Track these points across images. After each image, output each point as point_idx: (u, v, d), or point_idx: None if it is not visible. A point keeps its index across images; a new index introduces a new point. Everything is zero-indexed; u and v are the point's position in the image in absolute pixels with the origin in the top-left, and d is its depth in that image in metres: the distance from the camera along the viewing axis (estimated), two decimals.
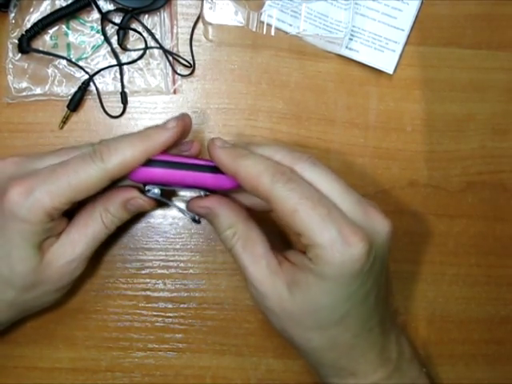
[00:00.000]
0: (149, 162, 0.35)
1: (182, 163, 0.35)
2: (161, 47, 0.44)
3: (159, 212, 0.44)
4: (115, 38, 0.44)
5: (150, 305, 0.43)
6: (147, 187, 0.37)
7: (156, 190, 0.37)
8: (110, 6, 0.43)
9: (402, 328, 0.44)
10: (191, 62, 0.45)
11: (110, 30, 0.44)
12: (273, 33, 0.43)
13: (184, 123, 0.36)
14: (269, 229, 0.38)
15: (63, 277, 0.38)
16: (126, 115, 0.44)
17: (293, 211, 0.33)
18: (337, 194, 0.34)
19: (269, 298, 0.35)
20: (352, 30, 0.44)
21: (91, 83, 0.44)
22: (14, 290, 0.36)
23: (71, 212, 0.37)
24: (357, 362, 0.36)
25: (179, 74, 0.44)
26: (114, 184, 0.36)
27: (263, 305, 0.36)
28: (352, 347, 0.36)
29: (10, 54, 0.43)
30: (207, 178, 0.36)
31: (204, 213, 0.37)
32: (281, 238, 0.43)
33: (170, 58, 0.44)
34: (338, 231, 0.32)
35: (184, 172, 0.35)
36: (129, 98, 0.44)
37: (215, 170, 0.36)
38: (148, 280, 0.44)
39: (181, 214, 0.44)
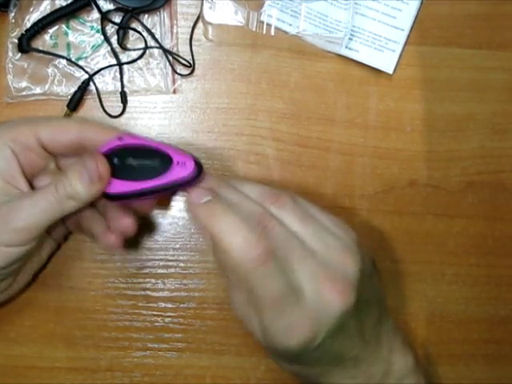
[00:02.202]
0: (107, 195, 0.36)
1: (137, 191, 0.36)
2: (161, 47, 0.44)
3: (159, 211, 0.44)
4: (115, 37, 0.44)
5: (149, 304, 0.43)
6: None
7: None
8: (110, 6, 0.43)
9: (405, 341, 0.41)
10: (191, 62, 0.45)
11: (110, 29, 0.44)
12: (272, 32, 0.43)
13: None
14: None
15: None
16: (125, 115, 0.44)
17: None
18: (294, 264, 0.33)
19: (245, 325, 0.35)
20: (352, 30, 0.44)
21: (91, 83, 0.44)
22: None
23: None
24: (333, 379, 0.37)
25: (179, 74, 0.44)
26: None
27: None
28: (321, 376, 0.37)
29: (10, 54, 0.43)
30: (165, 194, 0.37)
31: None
32: None
33: (170, 58, 0.44)
34: (285, 324, 0.33)
35: (141, 198, 0.37)
36: (128, 98, 0.44)
37: (170, 185, 0.36)
38: (148, 280, 0.44)
39: (181, 214, 0.44)
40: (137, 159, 0.36)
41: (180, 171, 0.36)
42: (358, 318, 0.35)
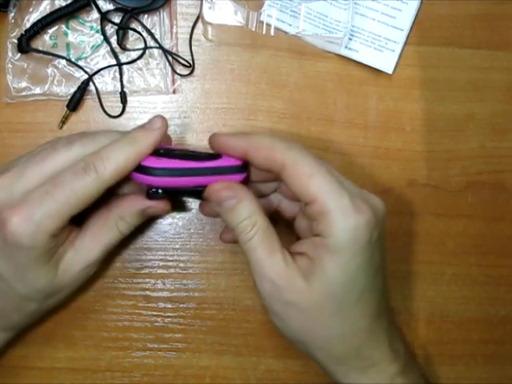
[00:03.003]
0: (150, 170, 0.35)
1: (185, 169, 0.35)
2: (160, 47, 0.44)
3: None
4: (115, 37, 0.44)
5: (149, 304, 0.43)
6: (150, 189, 0.37)
7: (159, 191, 0.36)
8: (110, 6, 0.43)
9: (400, 328, 0.44)
10: (191, 62, 0.45)
11: (110, 29, 0.44)
12: (272, 33, 0.43)
13: (165, 122, 0.36)
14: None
15: (79, 280, 0.38)
16: (125, 115, 0.44)
17: (309, 175, 0.34)
18: (336, 174, 0.35)
19: (287, 291, 0.34)
20: (351, 30, 0.44)
21: (91, 83, 0.44)
22: (36, 302, 0.37)
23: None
24: (376, 351, 0.37)
25: (179, 74, 0.44)
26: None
27: (280, 303, 0.35)
28: (371, 332, 0.36)
29: (10, 54, 0.43)
30: (210, 180, 0.36)
31: (226, 197, 0.36)
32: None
33: (170, 58, 0.44)
34: (350, 198, 0.33)
35: (189, 178, 0.35)
36: (128, 98, 0.44)
37: (216, 170, 0.36)
38: (147, 280, 0.44)
39: (180, 214, 0.44)
40: (184, 151, 0.37)
41: (227, 161, 0.36)
42: (382, 272, 0.36)
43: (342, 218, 0.33)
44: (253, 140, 0.35)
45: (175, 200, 0.42)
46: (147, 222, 0.44)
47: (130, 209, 0.38)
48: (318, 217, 0.34)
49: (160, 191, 0.36)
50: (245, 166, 0.36)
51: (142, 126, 0.36)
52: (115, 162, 0.34)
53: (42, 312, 0.39)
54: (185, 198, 0.44)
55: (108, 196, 0.37)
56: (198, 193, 0.36)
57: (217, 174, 0.36)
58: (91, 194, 0.34)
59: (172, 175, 0.35)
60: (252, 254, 0.35)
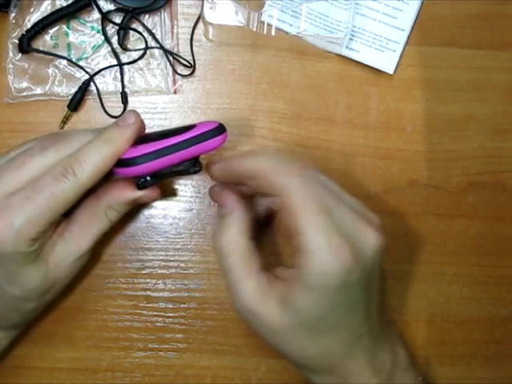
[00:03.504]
0: (131, 161, 0.35)
1: (166, 147, 0.35)
2: (161, 47, 0.44)
3: (160, 212, 0.44)
4: (115, 37, 0.44)
5: (150, 305, 0.43)
6: (139, 180, 0.36)
7: (148, 178, 0.36)
8: (111, 6, 0.43)
9: (400, 336, 0.44)
10: (191, 62, 0.45)
11: (111, 29, 0.44)
12: (273, 33, 0.43)
13: (139, 116, 0.36)
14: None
15: (73, 272, 0.38)
16: None
17: (301, 210, 0.33)
18: (332, 202, 0.34)
19: (260, 316, 0.35)
20: (352, 30, 0.44)
21: (91, 83, 0.44)
22: (32, 301, 0.37)
23: None
24: (350, 370, 0.36)
25: (179, 74, 0.45)
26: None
27: (254, 323, 0.35)
28: (344, 355, 0.36)
29: (11, 54, 0.43)
30: (192, 151, 0.35)
31: (222, 202, 0.37)
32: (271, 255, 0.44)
33: (171, 58, 0.44)
34: (333, 241, 0.32)
35: (173, 155, 0.35)
36: (129, 98, 0.44)
37: (195, 139, 0.35)
38: (148, 280, 0.44)
39: (181, 214, 0.44)
40: (158, 132, 0.37)
41: (202, 127, 0.35)
42: (366, 304, 0.36)
43: (319, 261, 0.32)
44: (253, 166, 0.35)
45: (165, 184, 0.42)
46: (148, 222, 0.44)
47: (119, 198, 0.37)
48: (297, 250, 0.33)
49: (149, 179, 0.36)
50: (223, 127, 0.36)
51: (116, 124, 0.36)
52: (92, 163, 0.34)
53: (41, 308, 0.39)
54: (179, 190, 0.44)
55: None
56: (186, 170, 0.36)
57: (199, 142, 0.35)
58: (71, 197, 0.34)
59: (155, 158, 0.35)
60: (228, 275, 0.36)
